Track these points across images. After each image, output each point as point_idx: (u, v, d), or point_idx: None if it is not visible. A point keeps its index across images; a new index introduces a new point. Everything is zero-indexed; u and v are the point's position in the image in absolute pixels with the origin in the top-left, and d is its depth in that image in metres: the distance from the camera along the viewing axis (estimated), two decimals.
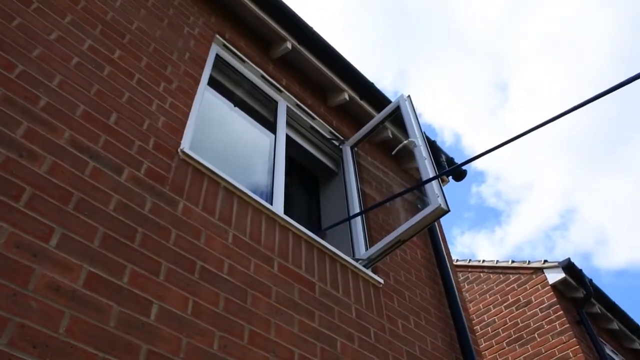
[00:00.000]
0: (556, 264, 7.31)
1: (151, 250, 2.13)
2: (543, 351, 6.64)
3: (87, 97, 2.41)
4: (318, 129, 4.37)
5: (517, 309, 7.28)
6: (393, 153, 4.19)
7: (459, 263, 8.62)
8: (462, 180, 5.40)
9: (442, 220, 5.20)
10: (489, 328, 7.44)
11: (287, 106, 4.17)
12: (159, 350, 1.86)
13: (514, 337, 7.06)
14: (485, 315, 7.62)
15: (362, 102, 4.71)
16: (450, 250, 4.70)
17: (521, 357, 6.80)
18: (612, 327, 7.90)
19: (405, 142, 3.86)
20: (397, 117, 4.35)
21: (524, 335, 6.96)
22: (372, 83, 4.69)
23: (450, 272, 4.13)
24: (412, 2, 30.85)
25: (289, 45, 4.24)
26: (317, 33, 4.38)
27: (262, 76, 4.06)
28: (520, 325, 7.09)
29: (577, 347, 6.39)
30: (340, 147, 4.49)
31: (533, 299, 7.20)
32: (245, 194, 2.83)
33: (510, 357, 6.92)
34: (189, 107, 3.00)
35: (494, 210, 35.13)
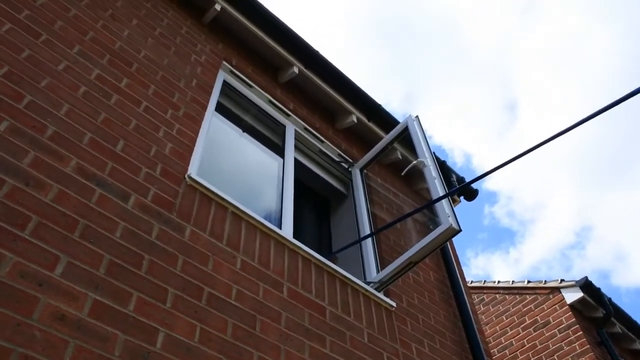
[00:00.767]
0: (573, 282, 7.16)
1: (158, 277, 2.11)
2: None
3: (94, 125, 2.42)
4: (327, 152, 4.36)
5: (534, 330, 7.11)
6: (402, 174, 4.16)
7: (473, 284, 8.48)
8: (474, 200, 5.35)
9: (455, 241, 5.13)
10: (506, 351, 7.27)
11: (295, 130, 4.18)
12: None
13: (532, 359, 6.89)
14: (502, 338, 7.45)
15: (371, 124, 4.71)
16: (464, 272, 4.63)
17: None
18: (634, 348, 7.68)
19: (414, 162, 3.84)
20: (405, 138, 4.34)
21: (543, 357, 6.78)
22: (380, 104, 4.69)
23: (465, 293, 4.05)
24: (417, 25, 31.13)
25: (296, 70, 4.27)
26: (323, 56, 4.41)
27: (270, 101, 4.08)
28: (539, 347, 6.92)
29: None
30: (350, 169, 4.47)
31: (551, 320, 7.04)
32: (254, 218, 2.81)
33: None
34: (196, 133, 3.01)
35: (508, 231, 34.72)
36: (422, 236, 3.74)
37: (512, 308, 7.61)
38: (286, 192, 3.47)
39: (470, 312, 3.90)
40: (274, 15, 4.20)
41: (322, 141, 4.33)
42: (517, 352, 7.12)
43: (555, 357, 6.66)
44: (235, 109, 3.93)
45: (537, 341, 6.99)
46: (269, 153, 3.96)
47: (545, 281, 7.47)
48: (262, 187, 3.68)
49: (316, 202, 4.45)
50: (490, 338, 7.56)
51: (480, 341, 3.69)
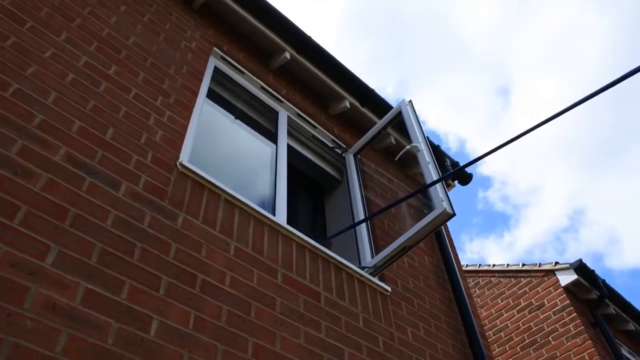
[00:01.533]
0: (568, 265, 7.21)
1: (151, 265, 2.10)
2: (558, 354, 6.52)
3: (83, 113, 2.39)
4: (320, 137, 4.34)
5: (529, 313, 7.17)
6: (396, 159, 4.15)
7: (468, 268, 8.53)
8: (469, 185, 5.36)
9: (449, 226, 5.14)
10: (501, 333, 7.33)
11: (288, 116, 4.15)
12: None
13: (527, 341, 6.95)
14: (497, 320, 7.51)
15: (364, 109, 4.68)
16: (459, 256, 4.64)
17: None
18: (628, 328, 7.76)
19: (408, 147, 3.82)
20: (399, 123, 4.32)
21: (538, 339, 6.85)
22: (373, 90, 4.66)
23: (459, 277, 4.07)
24: (410, 12, 30.93)
25: (288, 55, 4.23)
26: (315, 42, 4.37)
27: (262, 87, 4.04)
28: (534, 329, 6.98)
29: (593, 349, 6.27)
30: (343, 155, 4.46)
31: (546, 302, 7.09)
32: (247, 205, 2.80)
33: None
34: (188, 120, 2.98)
35: (502, 215, 34.87)
36: (416, 221, 3.74)
37: (507, 291, 7.66)
38: (279, 179, 3.46)
39: (466, 295, 3.92)
40: (265, 1, 4.15)
41: (315, 127, 4.31)
42: (512, 334, 7.19)
43: (550, 339, 6.72)
44: (227, 96, 3.89)
45: (532, 323, 7.05)
46: (262, 139, 3.93)
47: (539, 264, 7.52)
48: (255, 173, 3.66)
49: (310, 188, 4.44)
50: (486, 321, 7.61)
51: (476, 324, 3.71)
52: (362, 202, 4.00)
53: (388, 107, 4.71)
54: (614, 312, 7.52)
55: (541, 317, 7.00)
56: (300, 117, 4.24)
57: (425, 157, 3.63)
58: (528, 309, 7.22)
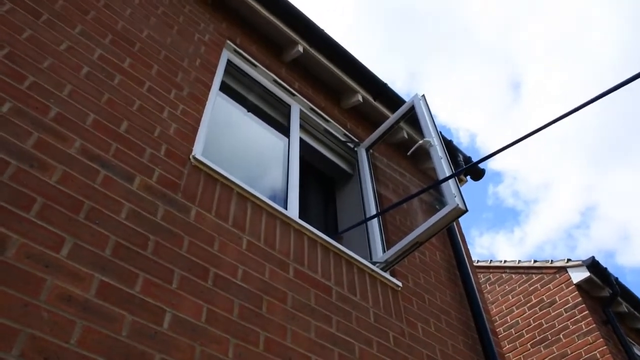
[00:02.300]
0: (580, 262, 7.16)
1: (164, 258, 2.11)
2: (569, 352, 6.49)
3: (97, 106, 2.40)
4: (332, 131, 4.33)
5: (540, 310, 7.13)
6: (409, 153, 4.13)
7: (479, 264, 8.50)
8: (480, 180, 5.32)
9: (460, 221, 5.11)
10: (512, 330, 7.30)
11: (301, 109, 4.15)
12: (172, 359, 1.84)
13: (538, 338, 6.92)
14: (508, 317, 7.48)
15: (376, 103, 4.66)
16: (470, 251, 4.62)
17: (547, 359, 6.65)
18: None
19: (420, 142, 3.80)
20: (412, 118, 4.30)
21: (549, 336, 6.81)
22: (386, 83, 4.63)
23: (471, 273, 4.05)
24: (420, 5, 30.68)
25: (301, 49, 4.22)
26: (328, 35, 4.35)
27: (274, 80, 4.04)
28: (545, 326, 6.94)
29: (605, 347, 6.23)
30: (355, 149, 4.45)
31: (557, 299, 7.05)
32: (259, 199, 2.80)
33: (535, 359, 6.78)
34: (201, 113, 2.98)
35: (513, 211, 34.66)
36: (428, 216, 3.73)
37: (518, 287, 7.62)
38: (292, 173, 3.46)
39: (476, 291, 3.90)
40: None
41: (327, 121, 4.30)
42: (523, 330, 7.16)
43: (561, 336, 6.69)
44: (239, 89, 3.89)
45: (543, 320, 7.02)
46: (274, 133, 3.93)
47: (551, 261, 7.47)
48: (268, 167, 3.66)
49: (322, 182, 4.43)
50: (496, 317, 7.59)
51: (486, 320, 3.70)
52: (373, 197, 3.99)
53: (400, 101, 4.69)
54: (626, 310, 7.46)
55: (552, 314, 6.96)
56: (313, 111, 4.23)
57: (438, 153, 3.61)
58: (539, 306, 7.18)
